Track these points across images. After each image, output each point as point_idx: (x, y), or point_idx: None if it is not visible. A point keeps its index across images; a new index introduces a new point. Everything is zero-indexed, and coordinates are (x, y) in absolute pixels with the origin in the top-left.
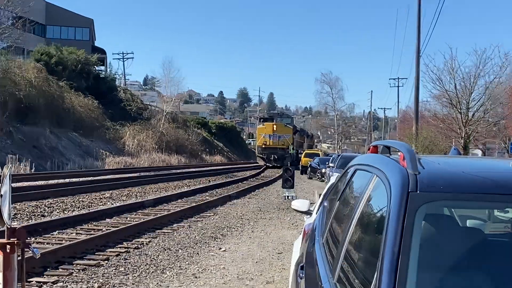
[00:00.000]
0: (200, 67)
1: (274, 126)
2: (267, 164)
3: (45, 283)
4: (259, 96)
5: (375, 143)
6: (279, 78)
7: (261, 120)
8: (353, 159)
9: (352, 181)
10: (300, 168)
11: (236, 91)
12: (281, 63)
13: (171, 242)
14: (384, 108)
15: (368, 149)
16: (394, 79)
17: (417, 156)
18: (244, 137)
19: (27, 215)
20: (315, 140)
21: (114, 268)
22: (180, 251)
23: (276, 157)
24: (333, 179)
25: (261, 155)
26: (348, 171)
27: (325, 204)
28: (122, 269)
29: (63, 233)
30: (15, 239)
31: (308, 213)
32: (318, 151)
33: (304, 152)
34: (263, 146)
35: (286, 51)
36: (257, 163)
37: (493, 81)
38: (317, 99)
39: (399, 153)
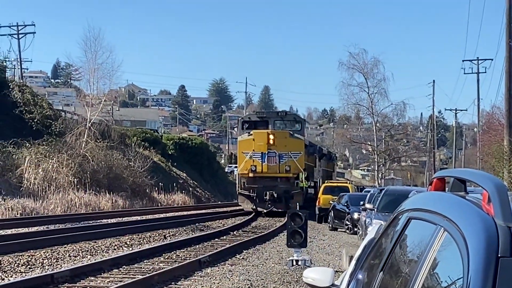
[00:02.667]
0: (146, 49)
1: (271, 136)
2: (258, 208)
3: None
4: (246, 92)
5: (441, 174)
6: (279, 65)
7: (246, 125)
8: (405, 200)
9: (405, 235)
10: (317, 212)
11: (207, 85)
12: (283, 41)
13: None
14: (456, 110)
15: (430, 184)
16: (470, 61)
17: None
18: (223, 161)
19: None
20: (339, 164)
21: None
22: None
23: (275, 195)
24: (372, 232)
25: (247, 192)
26: (398, 219)
27: (360, 276)
28: None
29: None
30: None
31: None
32: (346, 183)
33: (324, 185)
34: (250, 175)
35: (290, 23)
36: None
37: None
38: (343, 95)
39: (481, 191)
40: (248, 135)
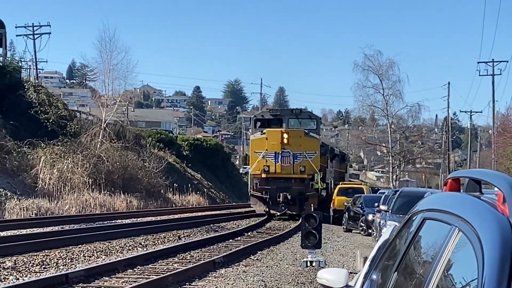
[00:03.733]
0: (162, 50)
1: (285, 135)
2: (271, 210)
3: None
4: (261, 93)
5: (456, 174)
6: (294, 66)
7: (259, 123)
8: (420, 200)
9: (419, 237)
10: (332, 213)
11: (222, 87)
12: (298, 42)
13: None
14: (471, 112)
15: (445, 184)
16: (485, 62)
17: None
18: (237, 162)
19: None
20: (354, 165)
21: None
22: None
23: (289, 197)
24: (387, 233)
25: (259, 194)
26: (412, 220)
27: (374, 276)
28: None
29: None
30: None
31: None
32: (361, 184)
33: (338, 186)
34: (263, 175)
35: (306, 24)
36: None
37: None
38: (358, 97)
39: (495, 191)
40: (261, 134)
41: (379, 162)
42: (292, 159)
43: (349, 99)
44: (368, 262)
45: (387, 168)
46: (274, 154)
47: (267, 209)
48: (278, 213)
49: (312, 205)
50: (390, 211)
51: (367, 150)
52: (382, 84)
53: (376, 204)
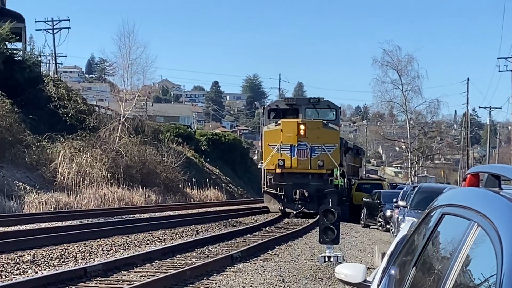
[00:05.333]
0: (180, 45)
1: (302, 126)
2: (286, 208)
3: None
4: (279, 88)
5: (475, 169)
6: (313, 62)
7: (273, 113)
8: (439, 196)
9: (438, 232)
10: (350, 209)
11: (240, 82)
12: (317, 37)
13: None
14: (490, 108)
15: (464, 179)
16: (505, 58)
17: None
18: (255, 157)
19: None
20: (372, 161)
21: None
22: None
23: (306, 194)
24: (405, 229)
25: (273, 191)
26: (431, 215)
27: (392, 271)
28: None
29: None
30: None
31: (364, 286)
32: (379, 180)
33: (357, 182)
34: (277, 170)
35: (324, 20)
36: None
37: None
38: (376, 92)
39: None
40: (275, 125)
41: (397, 158)
42: (310, 152)
43: (368, 95)
44: (386, 258)
45: (405, 164)
46: (289, 147)
47: (282, 207)
48: (294, 212)
49: (331, 200)
50: (408, 206)
51: (385, 145)
52: (401, 79)
53: (394, 200)
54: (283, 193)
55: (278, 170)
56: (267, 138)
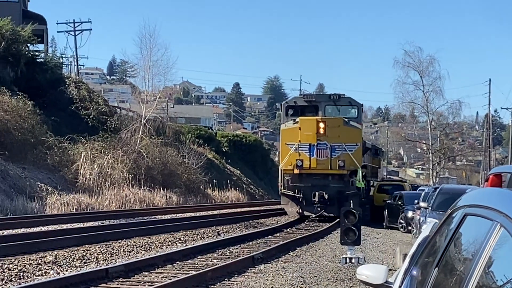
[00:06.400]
0: (201, 47)
1: (321, 124)
2: (304, 212)
3: None
4: (300, 89)
5: (497, 170)
6: (333, 63)
7: (291, 110)
8: (461, 197)
9: (460, 233)
10: (370, 210)
11: (261, 83)
12: (338, 39)
13: None
14: None
15: (486, 180)
16: None
17: None
18: (276, 158)
19: None
20: (392, 161)
21: None
22: None
23: (325, 196)
24: (427, 230)
25: (291, 193)
26: (453, 216)
27: (414, 272)
28: None
29: None
30: None
31: (385, 287)
32: (400, 181)
33: (378, 183)
34: (295, 171)
35: (345, 21)
36: None
37: None
38: (398, 93)
39: None
40: (293, 123)
41: (419, 159)
42: (330, 152)
43: (389, 96)
44: (408, 259)
45: (427, 165)
46: (308, 147)
47: (300, 210)
48: (313, 215)
49: (352, 202)
50: (430, 208)
51: (407, 147)
52: (422, 80)
53: (416, 201)
54: (301, 196)
55: (296, 171)
56: (285, 136)
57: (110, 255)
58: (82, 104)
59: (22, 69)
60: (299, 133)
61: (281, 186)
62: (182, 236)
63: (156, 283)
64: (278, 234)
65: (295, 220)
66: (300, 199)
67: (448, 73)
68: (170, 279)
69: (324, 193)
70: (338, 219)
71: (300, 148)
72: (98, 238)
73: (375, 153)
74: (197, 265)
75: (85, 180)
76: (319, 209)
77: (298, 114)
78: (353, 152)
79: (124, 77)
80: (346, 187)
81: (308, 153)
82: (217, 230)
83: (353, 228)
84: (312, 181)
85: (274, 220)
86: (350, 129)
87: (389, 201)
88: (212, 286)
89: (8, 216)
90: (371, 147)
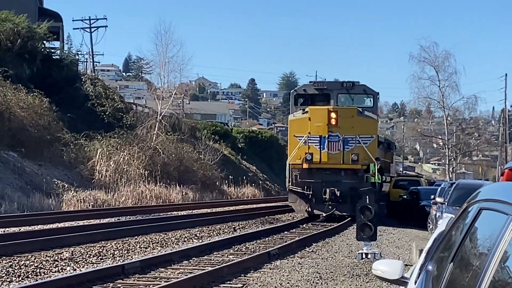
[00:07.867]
0: (217, 43)
1: (333, 114)
2: (314, 210)
3: None
4: None
5: None
6: (348, 58)
7: (300, 99)
8: (477, 191)
9: (475, 227)
10: (386, 205)
11: (277, 79)
12: (353, 34)
13: None
14: None
15: (502, 174)
16: None
17: None
18: None
19: None
20: (408, 157)
21: None
22: None
23: (337, 193)
24: (442, 225)
25: (300, 189)
26: (468, 211)
27: (430, 267)
28: None
29: None
30: None
31: (401, 282)
32: (416, 176)
33: (394, 179)
34: (305, 166)
35: (360, 16)
36: None
37: None
38: (413, 89)
39: None
40: (303, 113)
41: (435, 154)
42: (342, 145)
43: (405, 91)
44: (423, 254)
45: (443, 161)
46: (319, 139)
47: (310, 209)
48: (324, 214)
49: (368, 197)
50: (446, 203)
51: (423, 142)
52: (438, 75)
53: (432, 197)
54: (310, 192)
55: (305, 166)
56: (293, 128)
57: (126, 251)
58: (98, 101)
59: (38, 66)
60: (308, 124)
61: (288, 182)
62: (198, 232)
63: (172, 279)
64: (294, 229)
65: (311, 216)
66: (310, 196)
67: (464, 68)
68: (186, 275)
69: (336, 189)
70: (349, 218)
71: (309, 141)
72: (114, 234)
73: (387, 147)
74: (213, 261)
75: (101, 177)
76: (330, 207)
77: (308, 103)
78: (367, 145)
79: (140, 73)
80: (360, 183)
81: (319, 146)
82: (233, 226)
83: (369, 223)
84: (323, 176)
85: (290, 216)
86: (364, 119)
87: (406, 196)
88: (228, 282)
89: (25, 213)
90: (384, 141)
